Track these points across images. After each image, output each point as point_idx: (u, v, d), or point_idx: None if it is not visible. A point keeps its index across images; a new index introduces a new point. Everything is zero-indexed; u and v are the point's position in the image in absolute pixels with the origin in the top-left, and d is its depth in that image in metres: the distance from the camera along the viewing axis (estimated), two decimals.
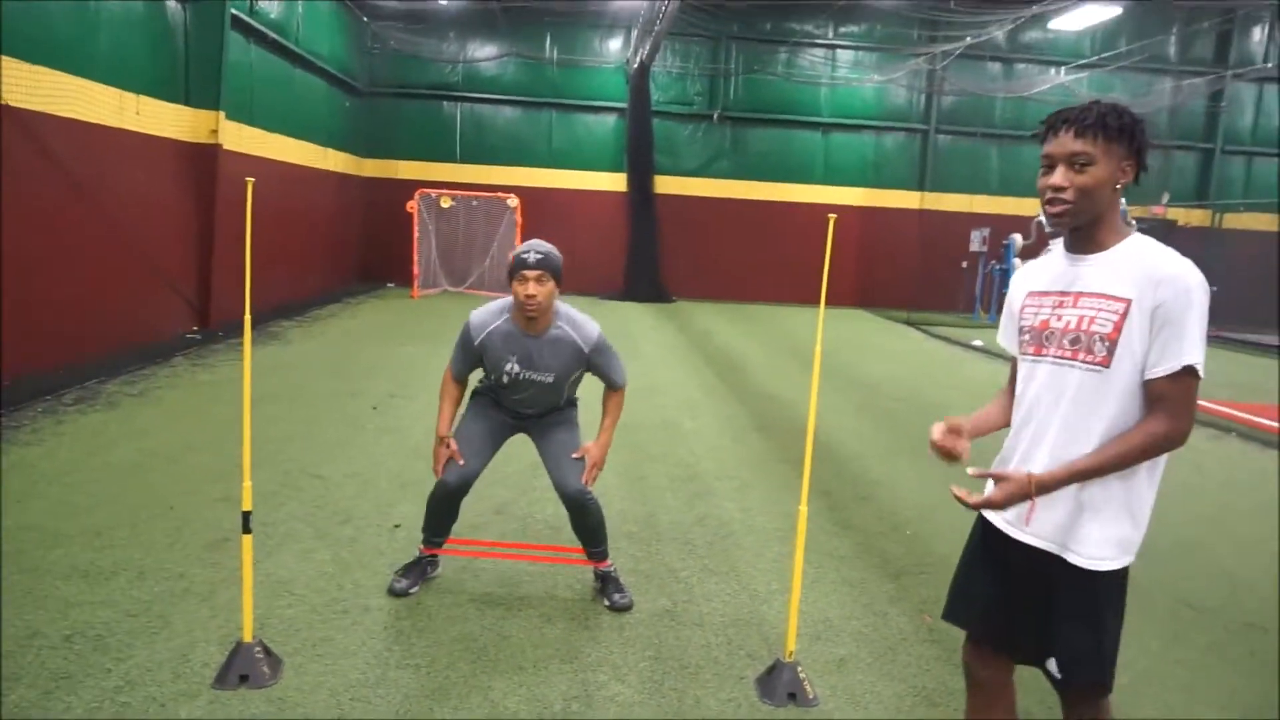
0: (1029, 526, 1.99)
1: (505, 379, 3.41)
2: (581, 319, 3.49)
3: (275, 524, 4.19)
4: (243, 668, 2.77)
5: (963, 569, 2.27)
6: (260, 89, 11.54)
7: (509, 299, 3.36)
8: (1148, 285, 1.79)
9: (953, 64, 17.34)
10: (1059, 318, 1.95)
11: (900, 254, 17.90)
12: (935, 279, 17.36)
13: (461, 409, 3.64)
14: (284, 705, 2.69)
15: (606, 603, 3.54)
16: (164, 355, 8.42)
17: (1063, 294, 1.95)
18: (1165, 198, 17.31)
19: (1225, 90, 18.29)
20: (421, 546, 3.64)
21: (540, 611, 3.44)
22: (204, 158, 9.84)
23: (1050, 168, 1.89)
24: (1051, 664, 1.98)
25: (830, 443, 6.48)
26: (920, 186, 18.46)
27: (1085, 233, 1.91)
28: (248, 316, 2.83)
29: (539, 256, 3.23)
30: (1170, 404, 1.80)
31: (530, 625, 3.32)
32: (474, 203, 16.39)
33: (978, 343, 13.02)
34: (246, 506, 2.80)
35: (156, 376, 7.53)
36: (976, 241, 16.93)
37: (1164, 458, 1.90)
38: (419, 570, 3.62)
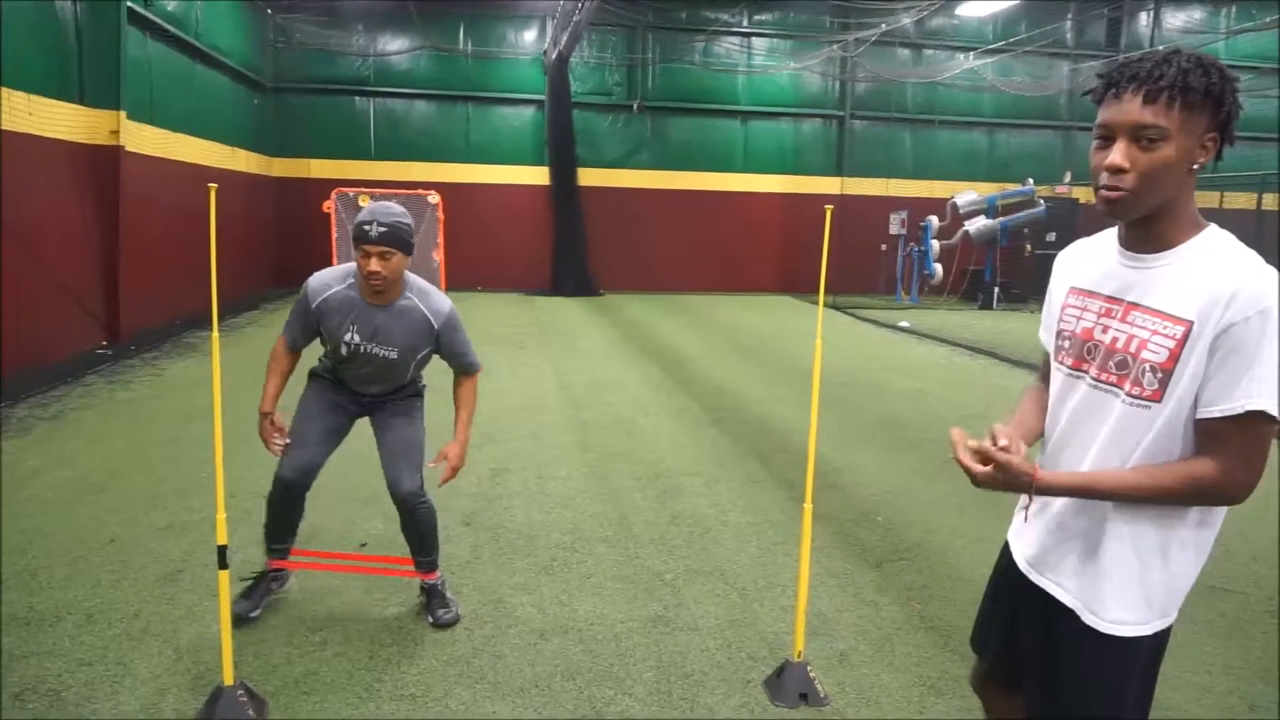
0: (1045, 568, 1.69)
1: (344, 350, 3.07)
2: (433, 292, 3.14)
3: (230, 551, 3.91)
4: (226, 713, 2.56)
5: (985, 601, 1.96)
6: (161, 87, 10.88)
7: (352, 265, 3.02)
8: (1216, 303, 1.40)
9: (865, 51, 17.66)
10: (1105, 329, 1.58)
11: (821, 239, 18.15)
12: (855, 262, 17.67)
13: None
14: None
15: (430, 619, 3.27)
16: (74, 374, 7.87)
17: (1113, 300, 1.58)
18: (1067, 177, 18.05)
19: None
20: (266, 559, 3.32)
21: (531, 627, 3.31)
22: (104, 160, 9.20)
23: (1107, 140, 1.46)
24: None
25: (783, 432, 6.49)
26: (839, 172, 18.78)
27: (1145, 225, 1.51)
28: (215, 333, 2.61)
29: (382, 230, 2.86)
30: (1229, 449, 1.43)
31: (524, 643, 3.19)
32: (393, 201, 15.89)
33: (905, 324, 13.33)
34: (222, 540, 2.59)
35: (69, 397, 7.03)
36: (895, 224, 17.33)
37: (1221, 509, 1.54)
38: (262, 589, 3.30)
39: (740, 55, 18.30)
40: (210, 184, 2.49)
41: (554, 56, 16.19)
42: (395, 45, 17.04)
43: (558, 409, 7.04)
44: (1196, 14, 19.25)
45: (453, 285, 16.08)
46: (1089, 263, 1.68)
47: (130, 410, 6.68)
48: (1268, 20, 15.95)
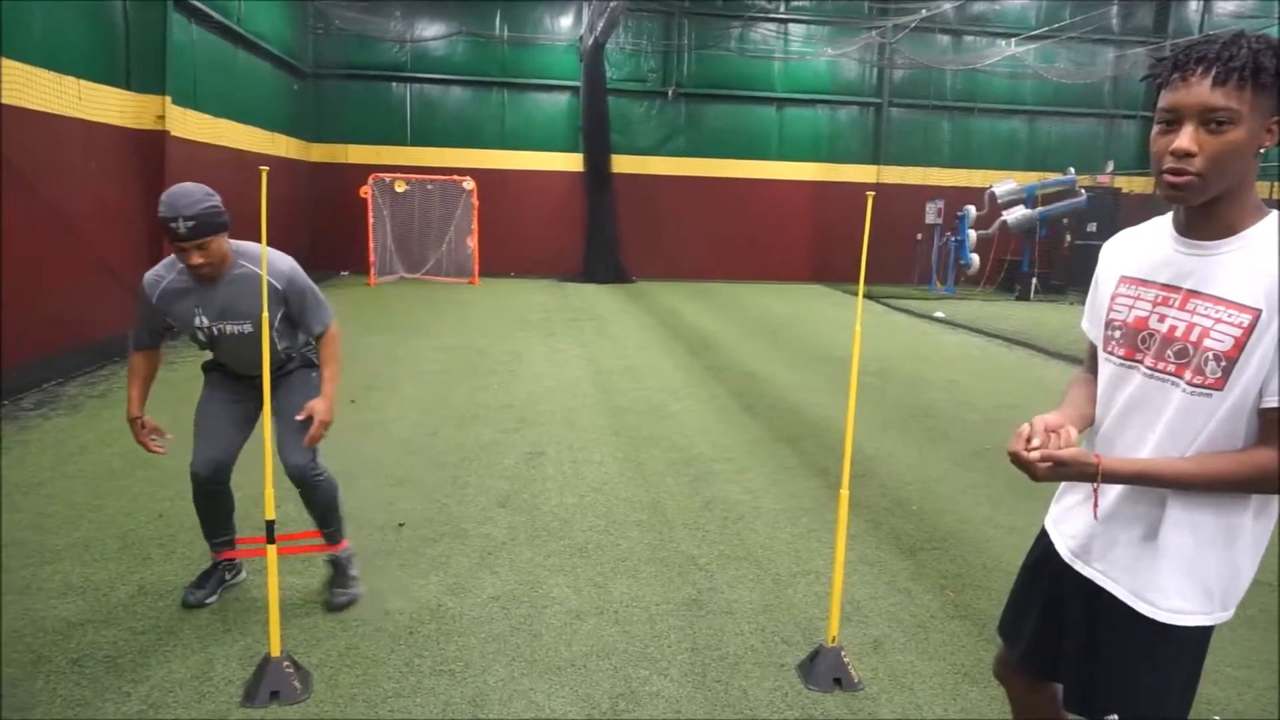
0: (1090, 557, 1.67)
1: (201, 336, 3.02)
2: (270, 253, 2.94)
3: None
4: (273, 684, 2.64)
5: (1017, 589, 1.93)
6: (204, 72, 11.08)
7: None
8: None
9: (904, 37, 17.44)
10: (1161, 318, 1.54)
11: (856, 228, 18.01)
12: (890, 252, 17.52)
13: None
14: None
15: (328, 597, 3.30)
16: (120, 353, 8.05)
17: (1169, 289, 1.54)
18: (1110, 166, 17.71)
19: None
20: (212, 554, 3.34)
21: (567, 608, 3.36)
22: (150, 145, 9.41)
23: (1172, 124, 1.43)
24: None
25: (816, 420, 6.48)
26: (875, 160, 18.60)
27: (1207, 211, 1.47)
28: (265, 313, 2.67)
29: (190, 224, 2.73)
30: None
31: (559, 622, 3.24)
32: (429, 186, 16.03)
33: (939, 314, 13.20)
34: (270, 515, 2.66)
35: (117, 376, 7.21)
36: (931, 214, 17.14)
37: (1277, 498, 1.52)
38: (215, 578, 3.32)
39: (776, 41, 18.17)
40: (262, 166, 2.54)
41: (590, 43, 16.20)
42: (432, 31, 17.15)
43: (591, 394, 7.09)
44: None
45: (486, 271, 16.23)
46: (1140, 251, 1.64)
47: (174, 389, 6.79)
48: None
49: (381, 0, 16.69)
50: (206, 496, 3.23)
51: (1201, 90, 1.38)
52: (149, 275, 3.03)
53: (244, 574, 3.49)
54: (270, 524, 2.67)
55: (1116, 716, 1.62)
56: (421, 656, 2.96)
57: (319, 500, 3.27)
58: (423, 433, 5.74)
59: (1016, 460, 1.54)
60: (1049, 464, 1.51)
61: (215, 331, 3.02)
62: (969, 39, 18.55)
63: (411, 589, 3.46)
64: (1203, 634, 1.57)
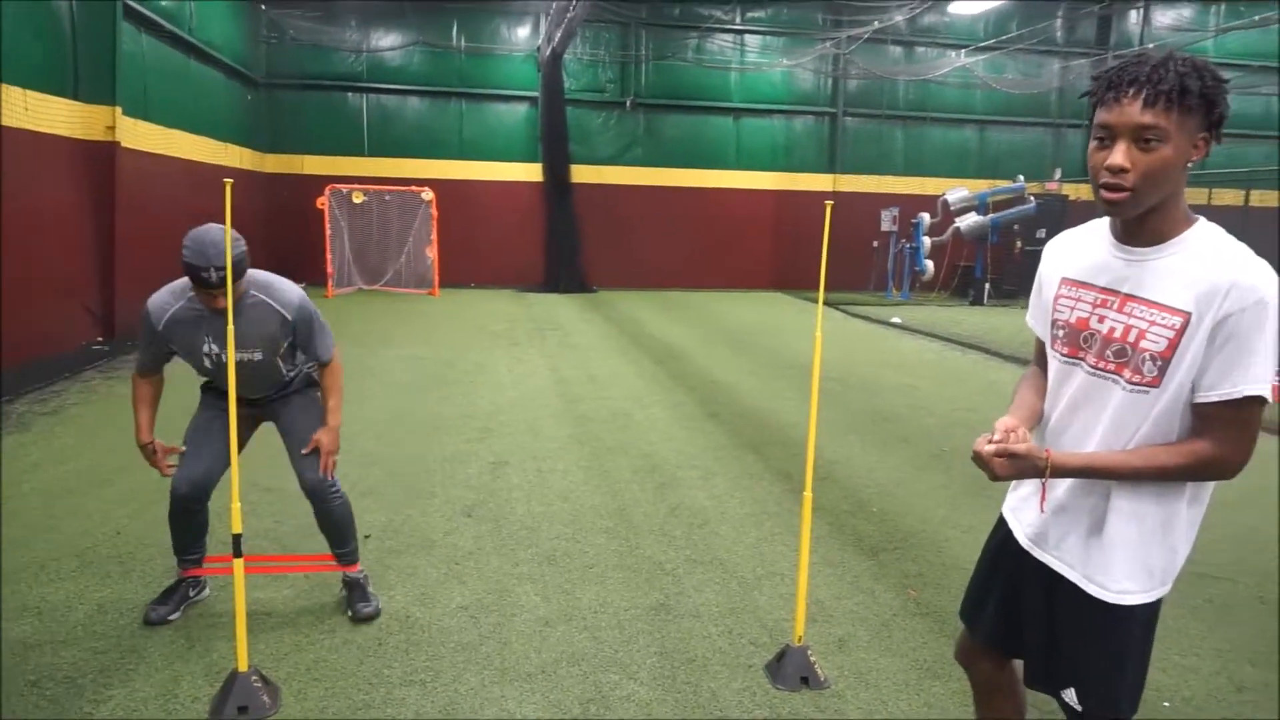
0: (1046, 544, 1.78)
1: (208, 364, 3.02)
2: (278, 283, 3.06)
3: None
4: (241, 699, 2.62)
5: (979, 573, 2.03)
6: (155, 82, 10.89)
7: (188, 279, 2.86)
8: (1213, 295, 1.49)
9: (858, 48, 17.75)
10: (1101, 319, 1.65)
11: (815, 236, 18.26)
12: (848, 259, 17.77)
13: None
14: None
15: (349, 613, 3.28)
16: (71, 369, 7.89)
17: (1108, 292, 1.65)
18: (1058, 174, 18.19)
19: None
20: (179, 569, 3.30)
21: (535, 615, 3.37)
22: (100, 156, 9.22)
23: (1107, 140, 1.53)
24: (1069, 695, 1.76)
25: (779, 425, 6.57)
26: (831, 169, 18.88)
27: (1141, 220, 1.58)
28: (230, 326, 2.65)
29: (220, 273, 2.70)
30: (1226, 430, 1.54)
31: (529, 630, 3.25)
32: (387, 197, 15.90)
33: (896, 320, 13.43)
34: (236, 529, 2.64)
35: (68, 392, 7.05)
36: (887, 221, 17.44)
37: (1211, 484, 1.66)
38: (179, 595, 3.29)
39: (733, 52, 18.37)
40: (226, 179, 2.54)
41: (548, 53, 16.24)
42: (388, 41, 17.05)
43: (555, 403, 7.10)
44: (1186, 12, 19.42)
45: (446, 282, 16.14)
46: (1079, 254, 1.75)
47: (129, 405, 6.70)
48: (1256, 18, 16.11)
49: (336, 9, 16.55)
50: (183, 514, 3.20)
51: (1133, 110, 1.48)
52: (153, 301, 2.98)
53: (208, 590, 3.45)
54: (237, 538, 2.65)
55: (1074, 690, 1.74)
56: (391, 667, 2.96)
57: (334, 518, 3.28)
58: (386, 444, 5.71)
59: (978, 459, 1.65)
60: (1004, 458, 1.62)
61: (223, 360, 2.97)
62: (920, 50, 18.94)
63: (379, 600, 3.44)
64: (1149, 609, 1.69)
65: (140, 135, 10.21)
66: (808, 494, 2.95)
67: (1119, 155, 1.50)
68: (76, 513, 4.32)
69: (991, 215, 16.53)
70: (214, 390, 3.25)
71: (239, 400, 3.15)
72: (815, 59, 18.21)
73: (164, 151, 11.05)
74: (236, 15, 14.65)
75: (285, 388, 3.28)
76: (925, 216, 16.59)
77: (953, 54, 18.31)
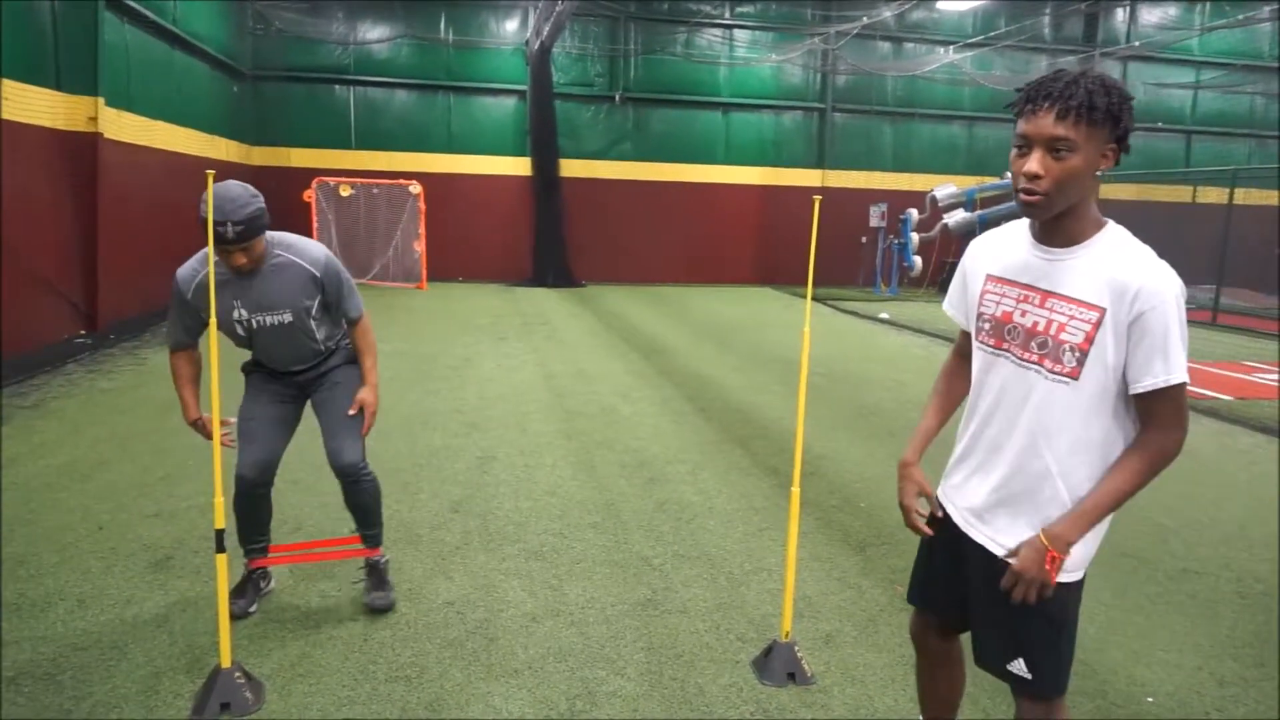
0: (983, 524, 1.92)
1: (240, 330, 3.01)
2: (301, 241, 3.06)
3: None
4: (224, 695, 2.59)
5: (922, 557, 2.18)
6: (139, 73, 10.76)
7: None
8: (1124, 295, 1.65)
9: (846, 44, 17.75)
10: (1023, 313, 1.80)
11: (803, 231, 18.30)
12: (836, 254, 17.81)
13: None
14: None
15: (365, 601, 3.29)
16: (53, 363, 7.80)
17: (1030, 288, 1.79)
18: None
19: (1094, 67, 19.43)
20: (246, 561, 3.30)
21: (523, 611, 3.36)
22: (82, 147, 9.11)
23: (1025, 149, 1.67)
24: (1017, 665, 1.88)
25: (767, 420, 6.57)
26: (820, 164, 18.89)
27: (1056, 223, 1.72)
28: (213, 318, 2.62)
29: (239, 229, 2.73)
30: (1164, 417, 1.71)
31: (516, 625, 3.24)
32: (374, 190, 15.81)
33: (884, 315, 13.47)
34: (219, 524, 2.62)
35: (50, 386, 6.97)
36: (875, 217, 17.47)
37: None
38: (253, 587, 3.29)
39: (722, 47, 18.34)
40: (208, 170, 2.51)
41: (536, 47, 16.16)
42: (376, 33, 16.92)
43: (542, 398, 7.08)
44: (1171, 10, 19.52)
45: (434, 276, 16.07)
46: (1003, 253, 1.88)
47: (111, 400, 6.64)
48: (1240, 17, 16.21)
49: (323, 1, 16.41)
50: (252, 500, 3.18)
51: (1046, 123, 1.63)
52: (182, 271, 2.97)
53: (275, 581, 3.45)
54: (219, 533, 2.62)
55: (1023, 659, 1.88)
56: (376, 663, 2.94)
57: (364, 498, 3.26)
58: (372, 438, 5.62)
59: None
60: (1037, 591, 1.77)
61: (254, 324, 2.99)
62: (909, 46, 18.96)
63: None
64: (1079, 586, 1.87)
65: (123, 126, 10.09)
66: (795, 489, 2.95)
67: (1034, 163, 1.64)
68: (57, 507, 4.27)
69: (979, 211, 16.57)
70: (255, 372, 3.24)
71: (278, 375, 3.20)
72: (804, 54, 18.20)
73: (147, 143, 10.93)
74: (222, 6, 14.49)
75: (326, 363, 3.24)
76: (913, 212, 16.62)
77: (941, 50, 18.34)
